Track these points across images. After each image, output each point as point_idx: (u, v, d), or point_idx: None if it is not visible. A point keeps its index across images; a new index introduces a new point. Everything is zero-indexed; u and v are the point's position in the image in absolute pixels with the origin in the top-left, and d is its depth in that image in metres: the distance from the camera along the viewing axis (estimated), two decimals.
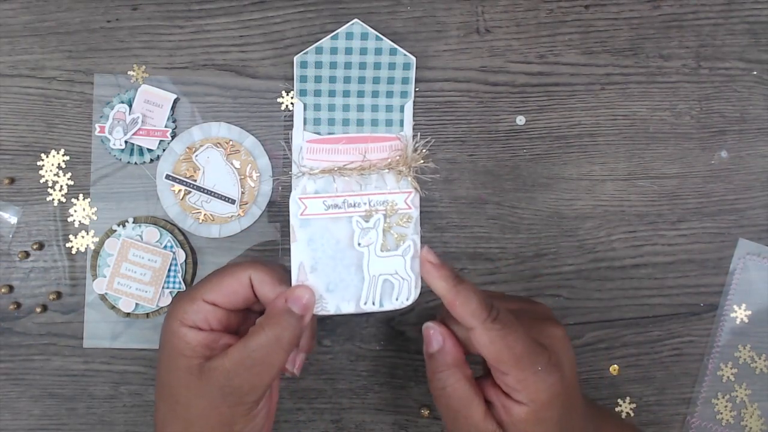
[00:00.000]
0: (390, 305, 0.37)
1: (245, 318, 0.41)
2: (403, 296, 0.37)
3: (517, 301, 0.42)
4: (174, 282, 0.50)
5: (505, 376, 0.35)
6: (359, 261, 0.36)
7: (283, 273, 0.38)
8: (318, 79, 0.51)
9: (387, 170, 0.35)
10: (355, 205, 0.35)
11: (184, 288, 0.50)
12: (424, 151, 0.36)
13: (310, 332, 0.41)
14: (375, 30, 0.50)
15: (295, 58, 0.51)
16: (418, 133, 0.36)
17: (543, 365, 0.35)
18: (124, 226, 0.50)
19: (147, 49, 0.51)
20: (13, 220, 0.51)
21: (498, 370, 0.36)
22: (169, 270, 0.50)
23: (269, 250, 0.51)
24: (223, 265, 0.40)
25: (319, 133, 0.51)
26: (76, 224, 0.51)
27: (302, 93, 0.51)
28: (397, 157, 0.35)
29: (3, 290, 0.50)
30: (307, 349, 0.41)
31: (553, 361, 0.36)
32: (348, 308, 0.37)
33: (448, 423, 0.37)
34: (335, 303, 0.37)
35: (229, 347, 0.36)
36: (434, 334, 0.37)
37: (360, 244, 0.36)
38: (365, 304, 0.36)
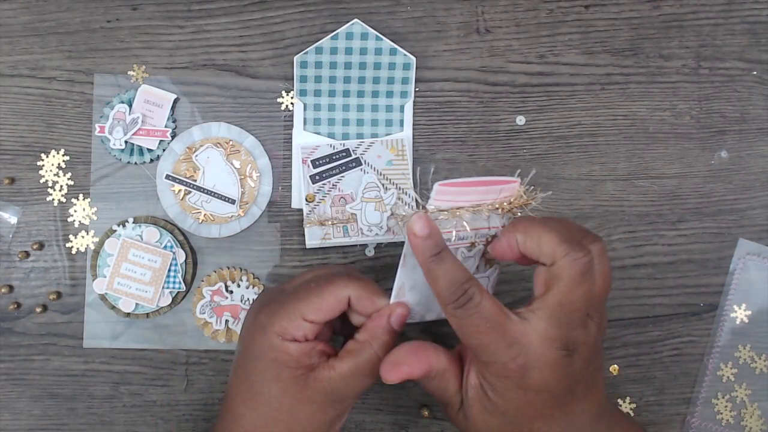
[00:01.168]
0: None
1: (332, 323, 0.43)
2: None
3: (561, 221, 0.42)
4: (174, 282, 0.50)
5: (556, 251, 0.36)
6: None
7: (375, 286, 0.41)
8: (318, 79, 0.51)
9: (499, 210, 0.39)
10: (463, 239, 0.39)
11: (184, 288, 0.50)
12: (535, 193, 0.39)
13: None
14: (375, 30, 0.50)
15: (295, 58, 0.51)
16: (527, 178, 0.39)
17: (580, 254, 0.36)
18: (124, 226, 0.50)
19: (147, 49, 0.51)
20: (13, 220, 0.51)
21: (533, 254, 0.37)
22: (169, 270, 0.50)
23: (269, 250, 0.51)
24: (314, 275, 0.42)
25: (319, 133, 0.51)
26: (76, 224, 0.51)
27: (302, 93, 0.52)
28: (511, 200, 0.39)
29: (3, 290, 0.50)
30: None
31: (590, 249, 0.36)
32: (431, 317, 0.42)
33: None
34: (421, 313, 0.41)
35: (331, 358, 0.39)
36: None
37: None
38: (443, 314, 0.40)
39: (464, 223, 0.38)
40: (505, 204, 0.39)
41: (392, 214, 0.50)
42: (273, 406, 0.39)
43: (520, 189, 0.39)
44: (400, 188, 0.50)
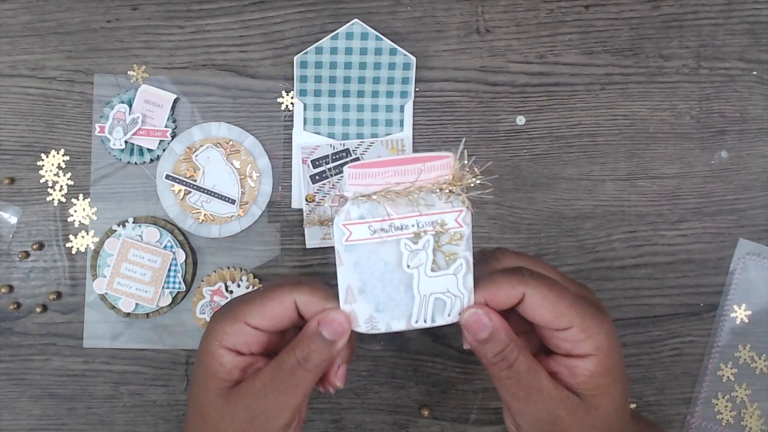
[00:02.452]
0: (442, 321, 0.35)
1: (285, 338, 0.40)
2: (455, 311, 0.35)
3: (542, 262, 0.40)
4: (174, 282, 0.50)
5: (566, 330, 0.34)
6: (409, 281, 0.35)
7: (329, 290, 0.37)
8: (318, 79, 0.51)
9: (437, 191, 0.34)
10: (402, 228, 0.34)
11: (184, 288, 0.50)
12: (474, 168, 0.34)
13: (348, 343, 0.39)
14: (375, 30, 0.50)
15: (295, 58, 0.51)
16: (465, 150, 0.35)
17: (594, 310, 0.34)
18: (124, 226, 0.50)
19: (147, 49, 0.51)
20: (13, 220, 0.51)
21: (558, 330, 0.34)
22: (169, 270, 0.50)
23: (269, 250, 0.51)
24: (266, 286, 0.38)
25: (319, 133, 0.51)
26: (76, 224, 0.51)
27: (302, 93, 0.52)
28: (448, 177, 0.34)
29: (3, 290, 0.50)
30: (347, 359, 0.39)
31: (599, 307, 0.35)
32: (399, 326, 0.36)
33: (521, 404, 0.35)
34: (386, 321, 0.36)
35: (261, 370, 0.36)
36: (481, 317, 0.34)
37: (409, 266, 0.35)
38: (416, 321, 0.35)
39: (392, 209, 0.33)
40: (444, 184, 0.34)
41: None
42: (203, 418, 0.36)
43: (456, 164, 0.34)
44: None
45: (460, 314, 0.35)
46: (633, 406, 0.52)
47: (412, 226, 0.34)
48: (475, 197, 0.34)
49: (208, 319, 0.50)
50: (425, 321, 0.35)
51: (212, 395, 0.36)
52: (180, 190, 0.50)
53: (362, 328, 0.36)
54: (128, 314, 0.50)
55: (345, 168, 0.33)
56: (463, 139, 0.37)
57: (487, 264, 0.38)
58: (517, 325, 0.36)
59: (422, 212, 0.34)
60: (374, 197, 0.33)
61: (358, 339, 0.52)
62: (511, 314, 0.35)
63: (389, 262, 0.35)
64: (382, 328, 0.36)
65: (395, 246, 0.34)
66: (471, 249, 0.35)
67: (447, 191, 0.34)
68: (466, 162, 0.34)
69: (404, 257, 0.34)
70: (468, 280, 0.35)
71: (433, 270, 0.35)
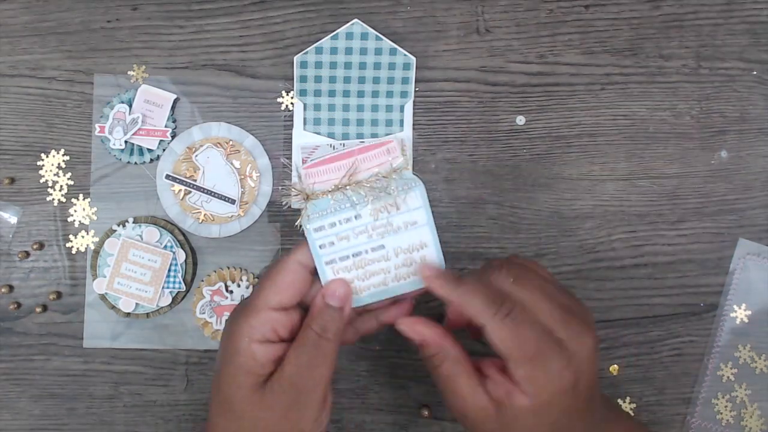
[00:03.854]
0: (411, 286, 0.40)
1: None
2: (419, 275, 0.39)
3: (566, 297, 0.41)
4: (174, 282, 0.50)
5: (515, 369, 0.36)
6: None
7: None
8: (318, 79, 0.51)
9: (378, 178, 0.38)
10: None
11: (184, 288, 0.50)
12: (405, 152, 0.39)
13: (348, 325, 0.42)
14: (375, 30, 0.50)
15: (295, 58, 0.51)
16: (402, 139, 0.39)
17: (557, 367, 0.35)
18: (124, 226, 0.50)
19: (147, 49, 0.51)
20: (13, 220, 0.51)
21: (507, 362, 0.36)
22: (169, 270, 0.50)
23: (269, 250, 0.51)
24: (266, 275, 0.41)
25: (319, 133, 0.51)
26: (76, 224, 0.51)
27: (302, 93, 0.52)
28: (398, 159, 0.38)
29: (3, 290, 0.51)
30: (351, 341, 0.43)
31: (571, 364, 0.36)
32: (379, 295, 0.40)
33: (446, 400, 0.39)
34: (369, 292, 0.40)
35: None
36: (414, 327, 0.39)
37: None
38: (392, 282, 0.39)
39: (352, 198, 0.37)
40: (389, 171, 0.38)
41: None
42: (237, 415, 0.38)
43: (397, 147, 0.38)
44: None
45: (397, 323, 0.39)
46: (633, 406, 0.52)
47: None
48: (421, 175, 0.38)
49: (208, 319, 0.50)
50: (401, 281, 0.40)
51: (247, 392, 0.37)
52: (180, 190, 0.50)
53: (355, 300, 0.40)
54: (128, 314, 0.50)
55: (301, 170, 0.37)
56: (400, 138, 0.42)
57: (484, 272, 0.39)
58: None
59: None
60: (332, 191, 0.38)
61: (358, 339, 0.52)
62: None
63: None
64: (366, 300, 0.40)
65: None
66: (430, 211, 0.39)
67: (397, 172, 0.38)
68: (403, 146, 0.38)
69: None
70: (433, 239, 0.39)
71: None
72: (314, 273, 0.40)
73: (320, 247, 0.38)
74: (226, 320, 0.40)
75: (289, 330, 0.38)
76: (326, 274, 0.39)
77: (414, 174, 0.37)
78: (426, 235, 0.39)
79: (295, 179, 0.51)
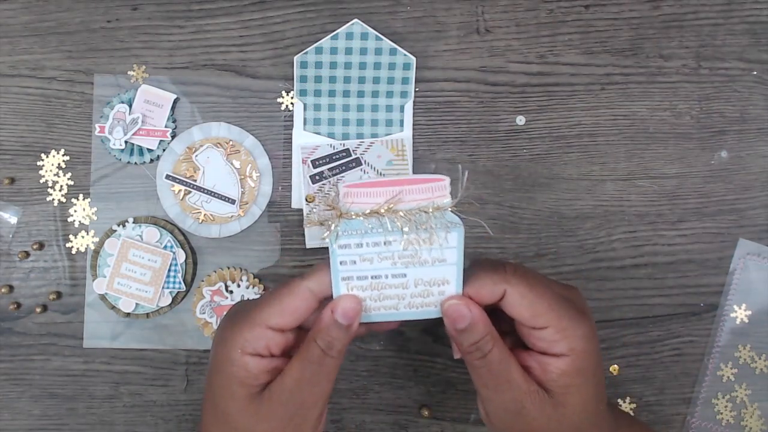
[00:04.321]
0: (429, 312, 0.38)
1: (300, 338, 0.40)
2: (440, 303, 0.37)
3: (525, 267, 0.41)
4: (174, 282, 0.50)
5: (543, 330, 0.35)
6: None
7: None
8: (318, 79, 0.51)
9: (430, 210, 0.36)
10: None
11: (184, 288, 0.50)
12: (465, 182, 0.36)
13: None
14: (375, 30, 0.50)
15: (295, 58, 0.51)
16: (466, 172, 0.37)
17: (574, 313, 0.36)
18: (124, 226, 0.50)
19: (147, 49, 0.51)
20: (13, 220, 0.51)
21: (534, 328, 0.36)
22: (169, 270, 0.50)
23: (269, 250, 0.51)
24: (275, 289, 0.39)
25: (319, 133, 0.51)
26: (76, 224, 0.51)
27: (302, 93, 0.52)
28: (444, 198, 0.36)
29: (3, 290, 0.50)
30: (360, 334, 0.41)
31: (581, 309, 0.36)
32: (388, 317, 0.38)
33: (490, 392, 0.37)
34: (379, 310, 0.38)
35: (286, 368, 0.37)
36: (461, 308, 0.36)
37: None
38: (406, 308, 0.38)
39: (386, 225, 0.35)
40: (430, 207, 0.36)
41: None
42: (232, 426, 0.37)
43: (448, 186, 0.36)
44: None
45: (441, 303, 0.37)
46: (633, 406, 0.52)
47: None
48: (467, 216, 0.36)
49: (208, 319, 0.50)
50: (413, 308, 0.38)
51: (242, 403, 0.36)
52: (180, 190, 0.50)
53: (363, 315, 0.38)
54: (128, 314, 0.50)
55: (340, 186, 0.35)
56: (466, 173, 0.38)
57: (476, 264, 0.39)
58: (500, 323, 0.37)
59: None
60: (368, 215, 0.35)
61: (358, 339, 0.52)
62: (495, 311, 0.37)
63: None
64: (374, 318, 0.38)
65: (388, 251, 0.36)
66: (462, 253, 0.36)
67: (440, 210, 0.36)
68: (462, 184, 0.36)
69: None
70: (457, 278, 0.37)
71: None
72: (324, 300, 0.38)
73: (341, 263, 0.37)
74: (221, 321, 0.39)
75: (282, 348, 0.37)
76: (340, 289, 0.37)
77: (457, 214, 0.36)
78: (452, 274, 0.37)
79: (305, 185, 0.51)
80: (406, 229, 0.36)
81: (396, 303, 0.38)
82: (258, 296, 0.42)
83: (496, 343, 0.36)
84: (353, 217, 0.36)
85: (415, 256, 0.37)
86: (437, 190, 0.36)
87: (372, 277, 0.37)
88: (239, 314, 0.38)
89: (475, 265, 0.38)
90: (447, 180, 0.35)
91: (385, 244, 0.36)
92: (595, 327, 0.37)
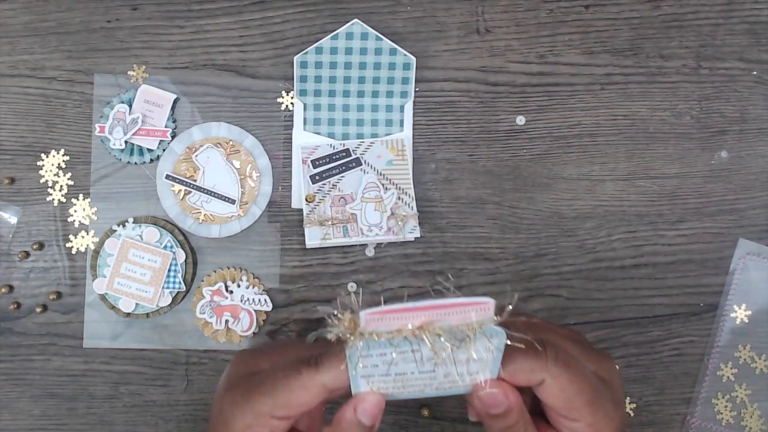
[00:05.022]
0: (457, 391, 0.35)
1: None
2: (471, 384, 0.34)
3: (556, 328, 0.39)
4: (174, 282, 0.50)
5: (575, 422, 0.34)
6: (431, 374, 0.34)
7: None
8: (318, 79, 0.51)
9: (456, 330, 0.31)
10: (423, 353, 0.32)
11: (184, 288, 0.50)
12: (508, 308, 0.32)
13: None
14: (375, 30, 0.50)
15: (295, 58, 0.51)
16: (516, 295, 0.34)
17: (611, 406, 0.34)
18: (124, 226, 0.50)
19: (147, 49, 0.51)
20: (13, 220, 0.51)
21: (566, 417, 0.34)
22: (169, 270, 0.50)
23: (269, 250, 0.51)
24: (283, 364, 0.35)
25: (319, 133, 0.51)
26: (76, 224, 0.51)
27: (302, 93, 0.52)
28: (487, 319, 0.31)
29: (3, 290, 0.50)
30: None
31: (616, 398, 0.34)
32: (410, 396, 0.35)
33: None
34: (401, 393, 0.35)
35: None
36: (498, 396, 0.33)
37: (423, 370, 0.33)
38: (431, 390, 0.35)
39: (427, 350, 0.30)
40: (472, 324, 0.31)
41: (392, 214, 0.49)
42: None
43: (492, 308, 0.31)
44: (400, 188, 0.50)
45: (474, 387, 0.33)
46: (633, 406, 0.52)
47: (438, 345, 0.32)
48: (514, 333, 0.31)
49: (208, 319, 0.50)
50: (440, 390, 0.34)
51: None
52: (180, 190, 0.50)
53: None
54: (128, 314, 0.50)
55: (362, 314, 0.30)
56: (516, 295, 0.35)
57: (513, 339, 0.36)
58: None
59: (451, 340, 0.31)
60: (396, 333, 0.31)
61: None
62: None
63: (408, 364, 0.33)
64: (397, 397, 0.35)
65: (415, 355, 0.32)
66: (502, 353, 0.32)
67: (483, 326, 0.31)
68: (509, 307, 0.31)
69: (424, 359, 0.32)
70: (493, 369, 0.33)
71: (454, 363, 0.33)
72: (335, 392, 0.35)
73: (362, 366, 0.32)
74: (220, 386, 0.36)
75: (287, 429, 0.35)
76: (360, 386, 0.33)
77: (498, 326, 0.31)
78: (485, 370, 0.33)
79: (305, 185, 0.51)
80: (441, 341, 0.31)
81: (422, 388, 0.34)
82: (267, 343, 0.39)
83: (527, 427, 0.34)
84: (376, 338, 0.31)
85: (447, 358, 0.32)
86: (481, 311, 0.31)
87: (396, 374, 0.33)
88: (241, 392, 0.35)
89: (511, 339, 0.34)
90: (492, 303, 0.31)
91: (413, 351, 0.32)
92: (626, 416, 0.35)
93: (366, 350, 0.31)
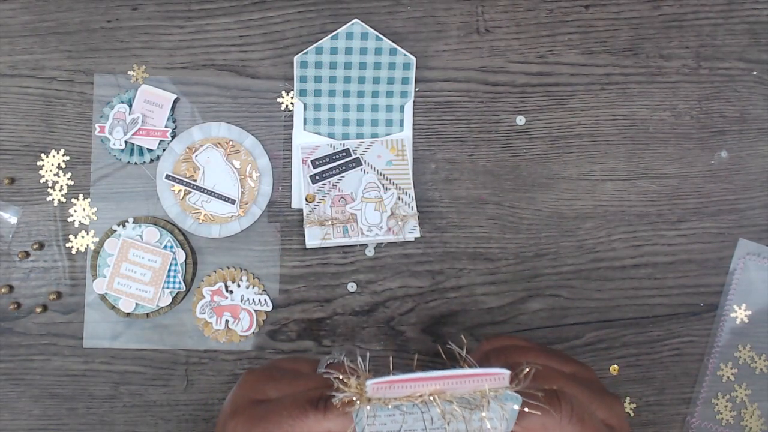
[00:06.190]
0: None
1: None
2: None
3: (568, 364, 0.38)
4: (174, 282, 0.50)
5: None
6: (440, 430, 0.33)
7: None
8: (318, 79, 0.51)
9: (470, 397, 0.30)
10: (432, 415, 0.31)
11: (184, 288, 0.50)
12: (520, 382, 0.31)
13: None
14: (375, 30, 0.50)
15: (295, 58, 0.51)
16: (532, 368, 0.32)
17: None
18: (124, 226, 0.50)
19: (147, 49, 0.51)
20: (13, 220, 0.51)
21: None
22: (169, 270, 0.50)
23: (269, 250, 0.51)
24: (290, 397, 0.34)
25: (319, 133, 0.51)
26: (76, 224, 0.51)
27: (302, 93, 0.52)
28: (502, 387, 0.31)
29: (3, 290, 0.50)
30: None
31: None
32: None
33: None
34: None
35: None
36: None
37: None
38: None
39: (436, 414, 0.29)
40: (486, 390, 0.30)
41: (392, 214, 0.49)
42: None
43: (507, 379, 0.30)
44: (400, 188, 0.50)
45: None
46: (633, 406, 0.52)
47: (449, 409, 0.31)
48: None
49: (208, 319, 0.50)
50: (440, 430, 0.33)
51: None
52: (180, 190, 0.50)
53: None
54: (128, 314, 0.50)
55: (368, 384, 0.29)
56: (532, 371, 0.33)
57: (498, 357, 0.36)
58: None
59: (463, 405, 0.31)
60: (405, 399, 0.30)
61: (358, 339, 0.52)
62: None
63: (416, 422, 0.32)
64: None
65: (425, 417, 0.31)
66: (515, 417, 0.32)
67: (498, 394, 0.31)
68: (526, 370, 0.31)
69: (433, 419, 0.32)
70: (506, 429, 0.32)
71: (466, 422, 0.32)
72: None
73: (368, 427, 0.31)
74: (228, 412, 0.36)
75: None
76: None
77: (513, 393, 0.30)
78: (497, 427, 0.32)
79: (305, 185, 0.51)
80: (452, 406, 0.30)
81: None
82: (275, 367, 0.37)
83: None
84: (384, 405, 0.30)
85: (458, 419, 0.31)
86: (495, 381, 0.30)
87: (405, 431, 0.32)
88: (248, 421, 0.34)
89: (528, 406, 0.33)
90: (507, 374, 0.30)
91: (422, 413, 0.31)
92: None
93: (373, 413, 0.30)
